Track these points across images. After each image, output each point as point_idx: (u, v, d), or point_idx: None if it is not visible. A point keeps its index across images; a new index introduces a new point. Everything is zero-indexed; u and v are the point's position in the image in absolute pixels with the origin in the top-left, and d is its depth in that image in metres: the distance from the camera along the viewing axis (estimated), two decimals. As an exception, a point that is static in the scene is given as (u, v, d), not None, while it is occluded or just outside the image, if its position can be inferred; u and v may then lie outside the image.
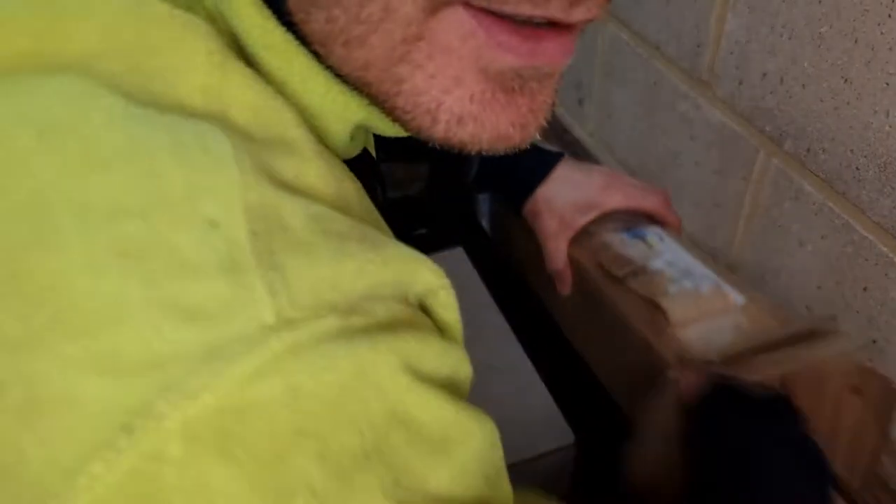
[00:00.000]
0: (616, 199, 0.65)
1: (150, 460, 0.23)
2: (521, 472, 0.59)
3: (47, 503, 0.23)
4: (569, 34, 0.29)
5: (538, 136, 0.77)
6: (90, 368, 0.23)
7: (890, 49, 0.55)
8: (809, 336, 0.54)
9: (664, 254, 0.62)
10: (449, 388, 0.28)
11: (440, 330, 0.32)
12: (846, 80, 0.60)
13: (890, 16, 0.54)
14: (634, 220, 0.66)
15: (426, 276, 0.29)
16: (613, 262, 0.61)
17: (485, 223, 0.83)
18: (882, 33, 0.55)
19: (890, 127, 0.57)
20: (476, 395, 0.72)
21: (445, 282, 0.30)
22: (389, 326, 0.27)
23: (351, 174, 0.31)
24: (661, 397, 0.52)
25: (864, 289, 0.63)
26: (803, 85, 0.64)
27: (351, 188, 0.30)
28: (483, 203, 0.82)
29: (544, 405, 0.63)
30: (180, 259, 0.24)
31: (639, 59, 0.87)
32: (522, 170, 0.66)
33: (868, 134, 0.59)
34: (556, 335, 0.69)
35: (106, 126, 0.26)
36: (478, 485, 0.29)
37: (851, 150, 0.61)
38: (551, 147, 0.71)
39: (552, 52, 0.29)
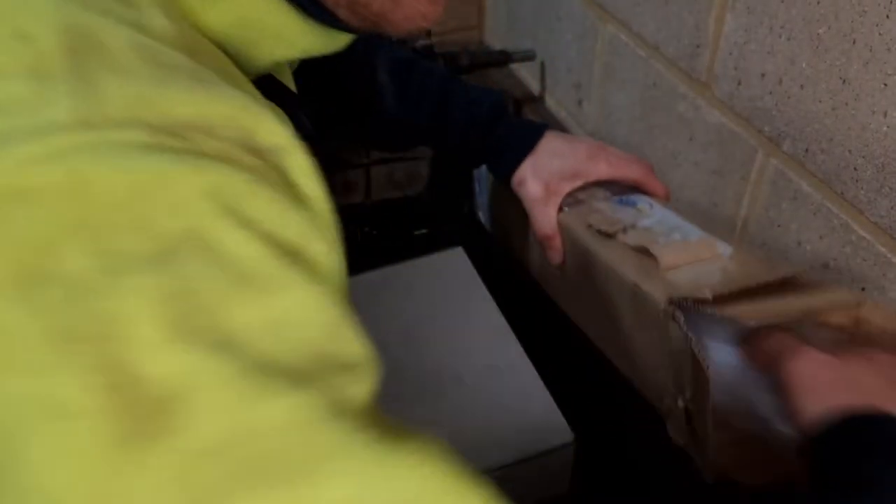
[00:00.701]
0: (601, 169, 0.66)
1: None
2: (521, 470, 0.60)
3: None
4: None
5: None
6: None
7: (888, 50, 0.55)
8: (803, 285, 0.53)
9: (655, 215, 0.63)
10: (288, 252, 0.27)
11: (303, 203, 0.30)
12: (844, 81, 0.60)
13: (888, 17, 0.55)
14: (624, 189, 0.67)
15: (271, 128, 0.29)
16: (603, 222, 0.61)
17: (483, 217, 0.83)
18: (880, 34, 0.56)
19: (888, 127, 0.57)
20: (476, 394, 0.72)
21: (298, 143, 0.30)
22: (215, 159, 0.26)
23: (219, 53, 0.33)
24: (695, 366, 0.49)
25: (863, 289, 0.63)
26: (801, 86, 0.64)
27: (213, 57, 0.32)
28: (481, 196, 0.82)
29: (544, 404, 0.64)
30: None
31: (638, 59, 0.87)
32: (510, 142, 0.67)
33: (866, 134, 0.59)
34: (555, 333, 0.69)
35: None
36: (312, 343, 0.26)
37: (849, 151, 0.61)
38: (538, 120, 0.73)
39: None
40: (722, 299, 0.51)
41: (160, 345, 0.23)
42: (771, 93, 0.68)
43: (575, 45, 1.01)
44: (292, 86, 0.45)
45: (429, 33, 0.98)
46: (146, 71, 0.27)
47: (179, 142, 0.26)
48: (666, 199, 0.67)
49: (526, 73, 1.18)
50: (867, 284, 0.62)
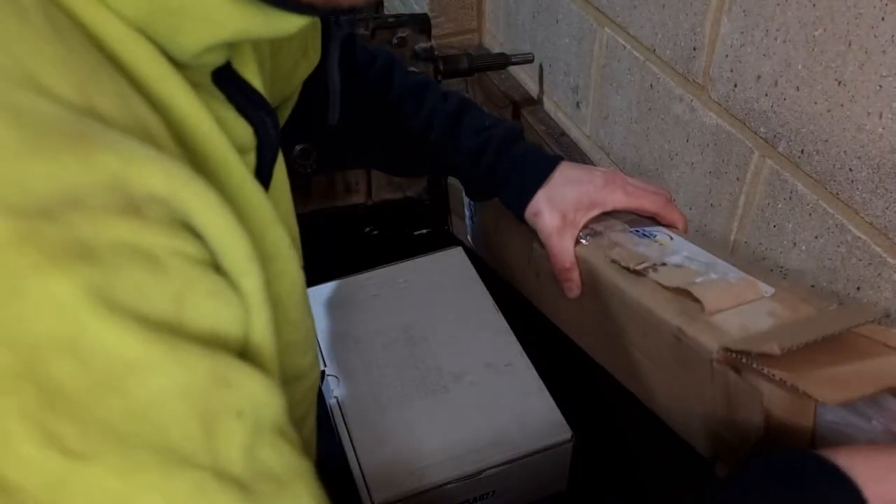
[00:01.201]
0: (617, 198, 0.64)
1: None
2: (519, 467, 0.60)
3: None
4: None
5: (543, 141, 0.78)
6: None
7: (883, 52, 0.56)
8: (863, 340, 0.49)
9: (681, 250, 0.60)
10: (157, 327, 0.27)
11: (215, 254, 0.30)
12: (839, 83, 0.61)
13: (883, 19, 0.55)
14: (640, 220, 0.65)
15: (149, 178, 0.27)
16: (629, 258, 0.59)
17: (473, 244, 0.83)
18: (875, 36, 0.56)
19: (883, 129, 0.58)
20: (476, 393, 0.73)
21: (190, 181, 0.28)
22: (85, 245, 0.25)
23: (118, 79, 0.30)
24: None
25: (858, 288, 0.64)
26: (797, 87, 0.65)
27: (109, 89, 0.29)
28: (471, 224, 0.82)
29: (543, 402, 0.64)
30: None
31: (635, 62, 0.88)
32: (523, 170, 0.65)
33: (861, 135, 0.60)
34: (555, 333, 0.70)
35: None
36: (180, 426, 0.27)
37: (845, 152, 0.62)
38: (551, 151, 0.72)
39: None
40: (791, 354, 0.47)
41: (31, 454, 0.24)
42: (767, 94, 0.69)
43: (573, 48, 1.02)
44: (258, 84, 0.43)
45: (429, 35, 0.98)
46: (11, 141, 0.25)
47: (56, 228, 0.25)
48: (684, 230, 0.65)
49: (524, 76, 1.18)
50: (862, 284, 0.63)
